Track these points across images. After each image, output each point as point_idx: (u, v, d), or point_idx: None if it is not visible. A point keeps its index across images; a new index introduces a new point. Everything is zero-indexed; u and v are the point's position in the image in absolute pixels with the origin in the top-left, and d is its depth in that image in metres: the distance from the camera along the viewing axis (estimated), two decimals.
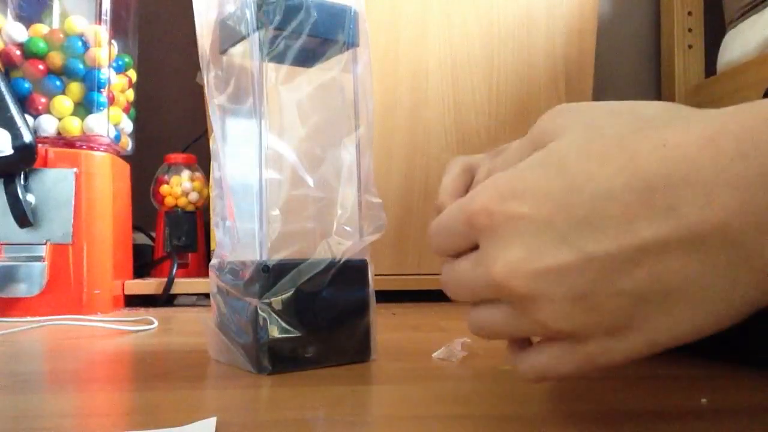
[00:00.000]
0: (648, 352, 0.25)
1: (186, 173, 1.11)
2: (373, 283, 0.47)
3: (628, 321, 0.25)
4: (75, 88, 0.88)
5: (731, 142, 0.22)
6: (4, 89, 0.82)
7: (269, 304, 0.42)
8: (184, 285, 0.99)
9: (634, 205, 0.23)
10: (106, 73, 0.91)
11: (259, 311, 0.41)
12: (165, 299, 0.98)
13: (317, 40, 0.45)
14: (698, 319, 0.24)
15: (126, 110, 0.99)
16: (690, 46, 1.28)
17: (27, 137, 0.81)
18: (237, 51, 0.46)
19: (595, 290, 0.24)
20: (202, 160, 1.13)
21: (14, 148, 0.80)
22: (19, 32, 0.87)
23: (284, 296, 0.42)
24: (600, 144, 0.25)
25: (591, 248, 0.24)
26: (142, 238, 1.16)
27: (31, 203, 0.83)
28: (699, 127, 0.23)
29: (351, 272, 0.45)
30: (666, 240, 0.23)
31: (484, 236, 0.27)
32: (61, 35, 0.88)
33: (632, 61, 1.36)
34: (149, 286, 0.98)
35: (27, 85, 0.87)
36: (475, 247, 0.29)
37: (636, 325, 0.25)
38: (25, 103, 0.86)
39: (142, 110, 1.08)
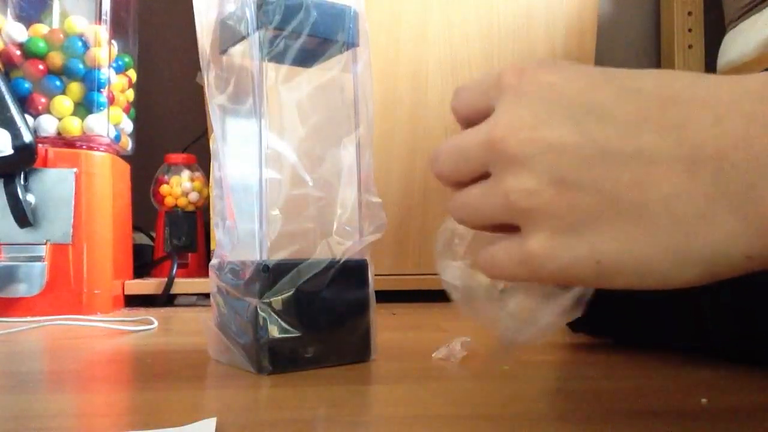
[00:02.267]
0: (587, 270, 0.24)
1: (186, 173, 1.11)
2: (373, 283, 0.47)
3: (584, 223, 0.24)
4: (75, 88, 0.88)
5: (757, 83, 0.23)
6: (4, 89, 0.82)
7: (269, 304, 0.42)
8: (184, 285, 0.99)
9: (649, 110, 0.24)
10: (106, 73, 0.91)
11: (259, 311, 0.41)
12: (165, 299, 0.98)
13: (317, 40, 0.45)
14: (653, 247, 0.23)
15: (126, 110, 0.99)
16: (690, 46, 1.28)
17: (27, 137, 0.81)
18: (237, 51, 0.46)
19: (576, 176, 0.24)
20: (202, 160, 1.13)
21: (14, 148, 0.80)
22: (19, 32, 0.87)
23: (284, 296, 0.42)
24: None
25: (594, 134, 0.24)
26: (142, 238, 1.16)
27: (31, 203, 0.83)
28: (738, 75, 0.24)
29: (351, 272, 0.45)
30: (662, 152, 0.23)
31: (503, 98, 0.27)
32: (61, 35, 0.88)
33: (632, 61, 1.36)
34: (149, 286, 0.98)
35: (27, 85, 0.87)
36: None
37: (588, 231, 0.24)
38: (25, 103, 0.86)
39: (142, 110, 1.08)
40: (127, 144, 1.01)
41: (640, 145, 0.24)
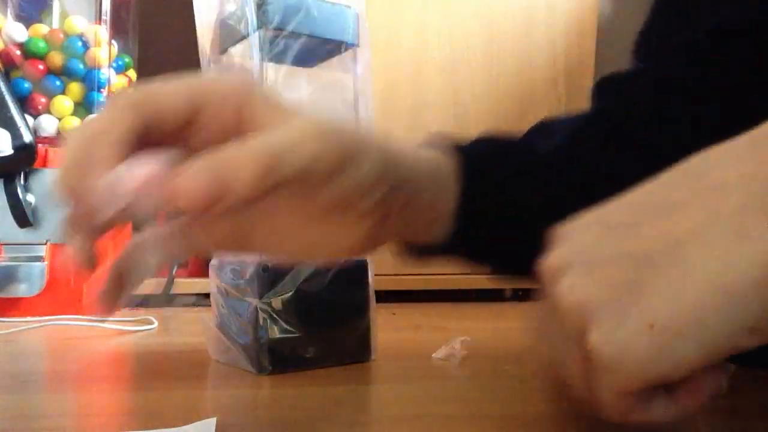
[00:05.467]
0: (644, 341, 0.22)
1: None
2: (373, 283, 0.47)
3: (627, 294, 0.22)
4: (75, 88, 0.88)
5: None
6: (4, 89, 0.82)
7: (269, 304, 0.42)
8: (184, 285, 0.99)
9: (647, 206, 0.24)
10: (106, 73, 0.91)
11: (259, 311, 0.41)
12: (165, 299, 0.98)
13: (317, 40, 0.45)
14: (699, 286, 0.21)
15: None
16: None
17: (27, 137, 0.81)
18: (237, 51, 0.46)
19: (603, 252, 0.24)
20: None
21: (14, 148, 0.80)
22: (19, 32, 0.87)
23: (284, 296, 0.42)
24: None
25: (605, 215, 0.25)
26: None
27: (31, 203, 0.83)
28: None
29: (351, 272, 0.45)
30: (681, 199, 0.23)
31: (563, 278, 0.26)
32: (61, 35, 0.88)
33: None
34: (149, 286, 0.98)
35: (27, 85, 0.87)
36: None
37: (633, 301, 0.22)
38: (25, 103, 0.86)
39: None
40: None
41: (656, 202, 0.24)
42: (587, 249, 0.24)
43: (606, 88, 0.45)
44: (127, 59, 1.00)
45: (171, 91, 0.27)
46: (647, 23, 0.47)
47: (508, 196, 0.36)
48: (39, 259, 0.83)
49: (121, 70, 0.98)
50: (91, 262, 0.28)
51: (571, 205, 0.29)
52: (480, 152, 0.36)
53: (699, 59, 0.41)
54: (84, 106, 0.89)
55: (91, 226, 0.27)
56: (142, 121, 0.26)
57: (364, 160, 0.29)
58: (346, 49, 0.47)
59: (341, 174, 0.28)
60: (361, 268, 0.46)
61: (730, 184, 0.22)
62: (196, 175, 0.24)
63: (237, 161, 0.25)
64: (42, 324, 0.72)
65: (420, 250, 0.37)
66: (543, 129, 0.41)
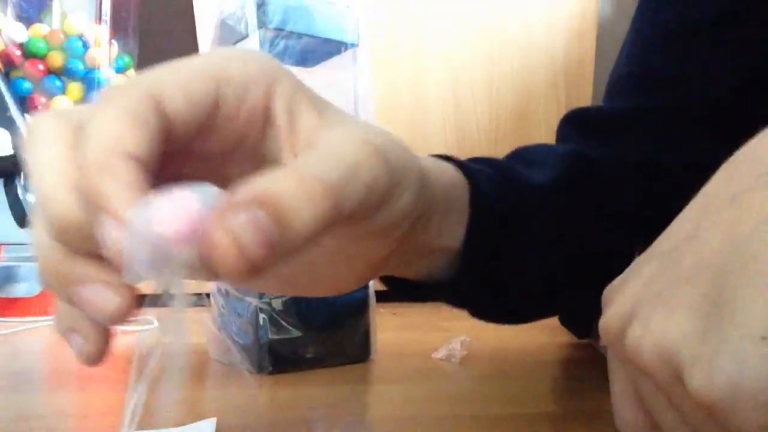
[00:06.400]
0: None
1: None
2: (373, 283, 0.47)
3: (716, 312, 0.18)
4: (75, 88, 0.88)
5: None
6: (4, 89, 0.82)
7: (269, 304, 0.42)
8: (184, 285, 0.99)
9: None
10: (106, 73, 0.91)
11: (259, 311, 0.41)
12: (165, 299, 0.98)
13: (317, 40, 0.45)
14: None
15: None
16: None
17: None
18: None
19: (667, 280, 0.20)
20: None
21: (14, 148, 0.80)
22: (19, 32, 0.87)
23: (284, 296, 0.42)
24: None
25: (653, 249, 0.22)
26: None
27: (31, 203, 0.83)
28: None
29: None
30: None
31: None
32: (61, 35, 0.88)
33: None
34: (149, 286, 0.98)
35: (27, 85, 0.87)
36: None
37: (728, 316, 0.18)
38: (25, 103, 0.86)
39: None
40: None
41: (705, 209, 0.21)
42: (647, 286, 0.21)
43: (574, 126, 0.44)
44: (127, 59, 1.00)
45: (183, 80, 0.21)
46: (618, 65, 0.46)
47: (514, 235, 0.33)
48: None
49: (121, 70, 0.98)
50: (101, 355, 0.22)
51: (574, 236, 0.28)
52: (487, 179, 0.32)
53: (670, 106, 0.41)
54: None
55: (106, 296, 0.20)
56: (155, 127, 0.19)
57: (410, 182, 0.24)
58: (346, 49, 0.47)
59: (389, 202, 0.23)
60: None
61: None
62: (243, 224, 0.17)
63: (294, 198, 0.18)
64: (42, 324, 0.72)
65: (404, 288, 0.32)
66: (522, 158, 0.38)
